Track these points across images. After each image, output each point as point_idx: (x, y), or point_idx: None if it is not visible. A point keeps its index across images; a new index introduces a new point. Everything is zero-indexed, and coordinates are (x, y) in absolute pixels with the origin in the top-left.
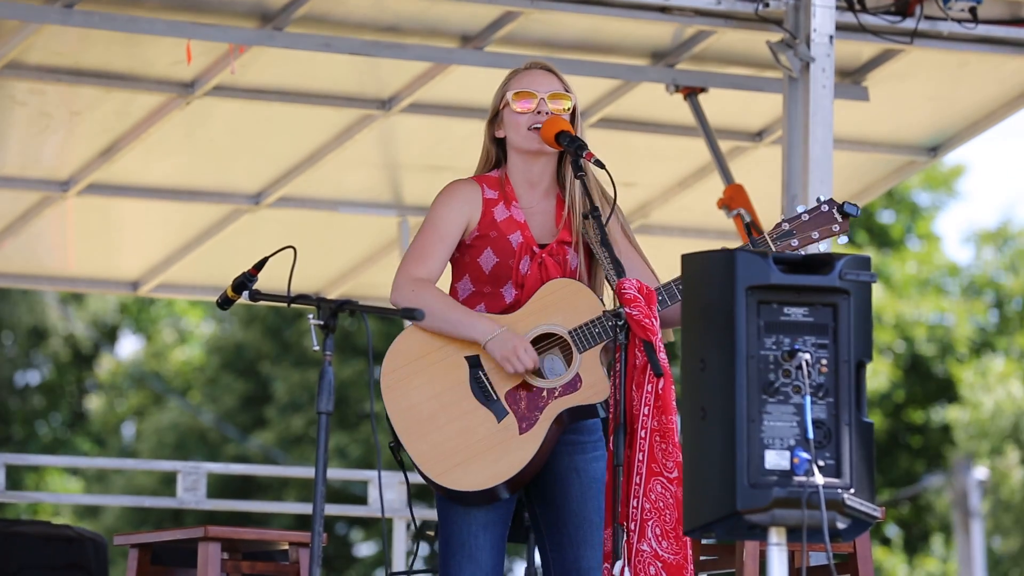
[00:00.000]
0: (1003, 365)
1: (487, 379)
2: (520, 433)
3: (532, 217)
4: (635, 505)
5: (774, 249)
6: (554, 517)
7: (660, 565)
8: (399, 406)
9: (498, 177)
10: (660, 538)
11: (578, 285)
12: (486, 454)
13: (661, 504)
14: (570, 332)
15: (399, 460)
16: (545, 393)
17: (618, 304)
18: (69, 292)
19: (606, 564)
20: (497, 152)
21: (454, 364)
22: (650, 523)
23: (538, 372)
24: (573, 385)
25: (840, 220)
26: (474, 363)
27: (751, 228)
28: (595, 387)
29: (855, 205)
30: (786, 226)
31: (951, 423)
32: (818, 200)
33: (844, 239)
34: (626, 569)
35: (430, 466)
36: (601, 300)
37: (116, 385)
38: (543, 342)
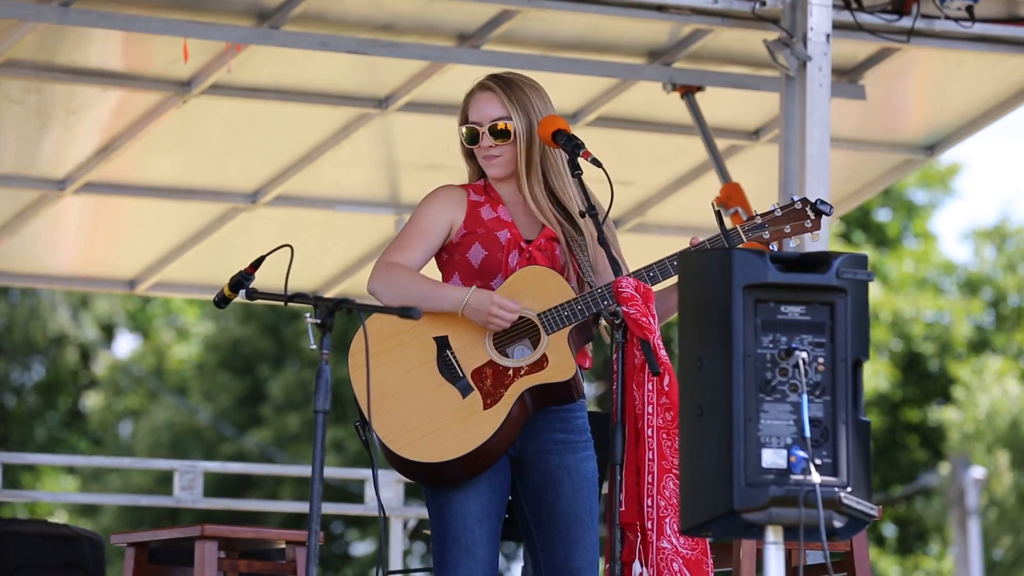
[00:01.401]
0: (1000, 363)
1: (455, 358)
2: (484, 408)
3: (518, 218)
4: (650, 504)
5: (745, 240)
6: (545, 516)
7: (681, 562)
8: (365, 383)
9: (483, 184)
10: (680, 534)
11: (549, 272)
12: (449, 427)
13: (676, 500)
14: (539, 315)
15: (364, 440)
16: (511, 372)
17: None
18: (66, 291)
19: (606, 565)
20: (476, 166)
21: (422, 344)
22: (667, 520)
23: (505, 355)
24: (539, 365)
25: (812, 217)
26: (442, 343)
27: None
28: (560, 366)
29: (828, 204)
30: (759, 219)
31: (945, 424)
32: (792, 199)
33: (824, 235)
34: (645, 571)
35: (392, 438)
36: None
37: (113, 384)
38: (513, 327)
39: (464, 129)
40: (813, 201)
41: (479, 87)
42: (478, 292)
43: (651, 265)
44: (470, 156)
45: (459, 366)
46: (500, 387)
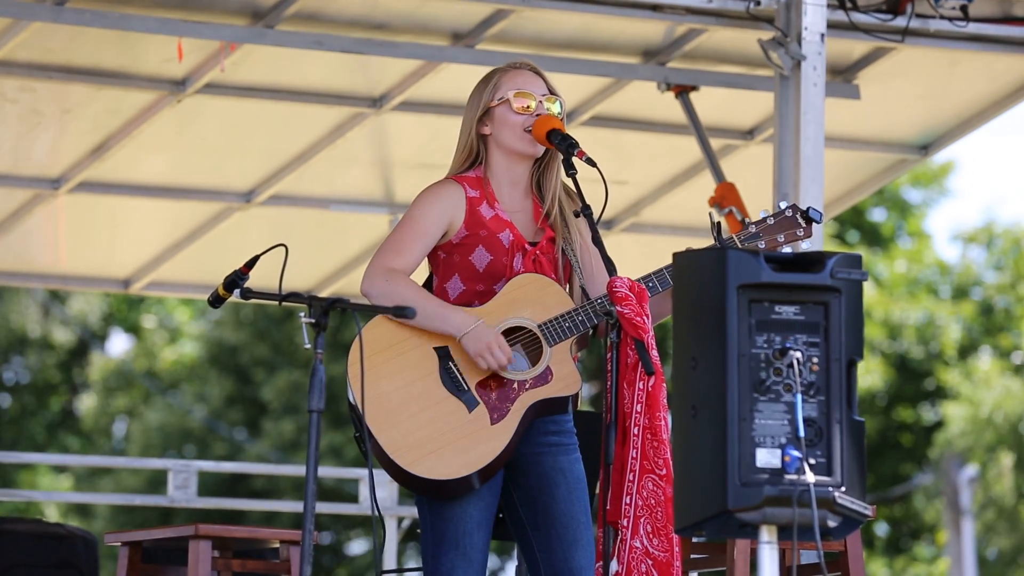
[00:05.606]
0: (989, 366)
1: (457, 370)
2: (492, 424)
3: (514, 216)
4: (628, 502)
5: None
6: (542, 518)
7: (650, 563)
8: (367, 395)
9: (476, 176)
10: (651, 535)
11: (546, 280)
12: (457, 443)
13: (653, 501)
14: (540, 326)
15: (363, 451)
16: (516, 385)
17: (607, 300)
18: (59, 290)
19: (598, 563)
20: (480, 148)
21: (424, 354)
22: (642, 520)
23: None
24: (544, 378)
25: (804, 225)
26: (443, 354)
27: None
28: (565, 380)
29: (819, 211)
30: (753, 228)
31: (947, 419)
32: (781, 206)
33: (808, 243)
34: (620, 568)
35: (400, 454)
36: (571, 296)
37: (106, 384)
38: (511, 336)
39: (516, 94)
40: (804, 208)
41: (526, 66)
42: (483, 327)
43: (649, 275)
44: (479, 137)
45: (463, 378)
46: (506, 401)
